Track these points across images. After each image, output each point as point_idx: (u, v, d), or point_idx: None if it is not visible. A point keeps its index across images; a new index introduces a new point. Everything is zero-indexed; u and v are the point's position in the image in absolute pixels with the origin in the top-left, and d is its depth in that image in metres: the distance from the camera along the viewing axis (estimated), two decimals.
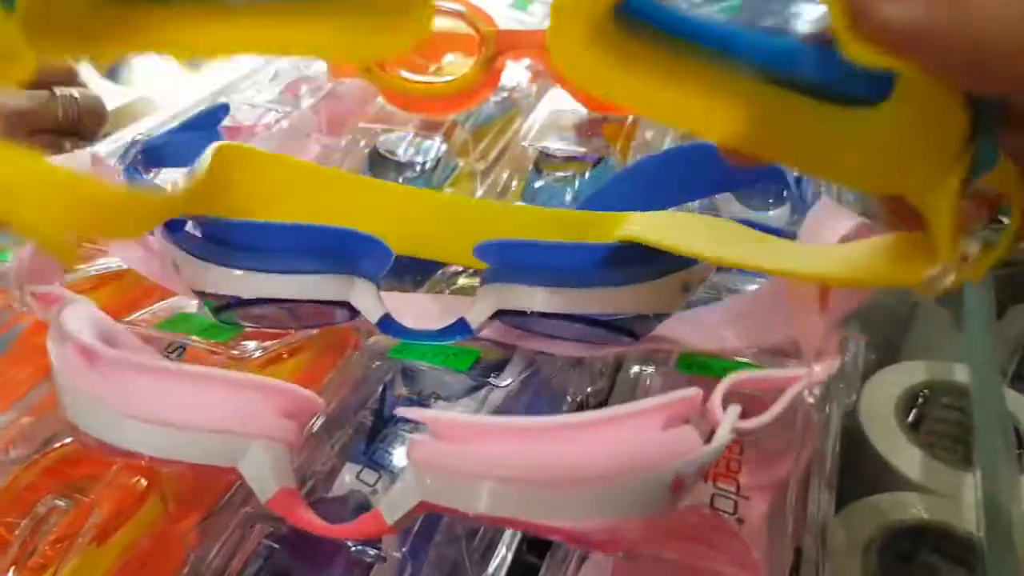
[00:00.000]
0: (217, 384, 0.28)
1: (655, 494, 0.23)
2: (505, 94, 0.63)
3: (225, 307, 0.35)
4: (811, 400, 0.28)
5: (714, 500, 0.31)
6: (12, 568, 0.31)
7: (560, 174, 0.55)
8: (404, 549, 0.31)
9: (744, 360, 0.36)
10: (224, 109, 0.47)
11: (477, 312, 0.35)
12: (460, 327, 0.35)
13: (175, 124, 0.48)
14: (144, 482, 0.34)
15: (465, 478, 0.24)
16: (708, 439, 0.24)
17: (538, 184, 0.55)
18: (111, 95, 0.94)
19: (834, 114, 0.22)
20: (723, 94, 0.23)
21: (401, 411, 0.26)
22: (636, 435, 0.24)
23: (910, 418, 0.47)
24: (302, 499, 0.29)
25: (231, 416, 0.28)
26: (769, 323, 0.34)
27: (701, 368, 0.37)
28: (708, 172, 0.41)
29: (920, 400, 0.48)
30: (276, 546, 0.31)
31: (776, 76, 0.23)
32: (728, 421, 0.24)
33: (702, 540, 0.30)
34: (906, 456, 0.44)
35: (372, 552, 0.30)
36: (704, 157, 0.41)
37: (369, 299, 0.35)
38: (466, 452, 0.24)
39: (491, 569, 0.31)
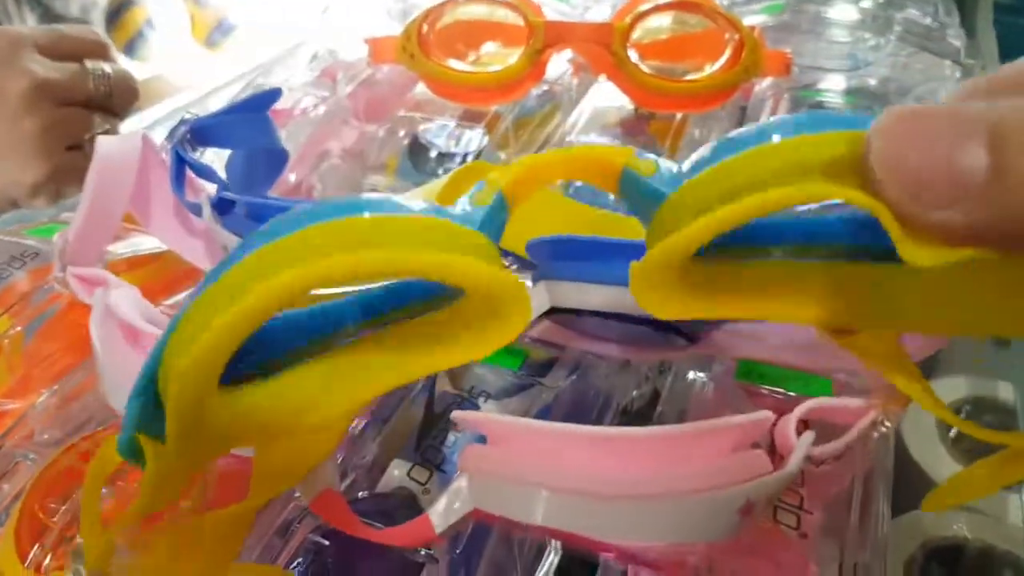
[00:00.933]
0: None
1: (723, 518, 0.23)
2: (546, 87, 0.62)
3: None
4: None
5: (777, 513, 0.30)
6: (50, 555, 0.31)
7: None
8: (457, 551, 0.30)
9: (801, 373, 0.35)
10: (276, 93, 0.46)
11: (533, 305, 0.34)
12: None
13: (222, 105, 0.47)
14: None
15: (520, 487, 0.24)
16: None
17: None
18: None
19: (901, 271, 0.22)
20: (806, 282, 0.23)
21: (456, 416, 0.25)
22: (706, 455, 0.23)
23: (952, 433, 0.46)
24: (345, 502, 0.28)
25: None
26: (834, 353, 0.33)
27: (760, 377, 0.36)
28: None
29: (963, 416, 0.47)
30: (324, 541, 0.31)
31: (845, 250, 0.23)
32: (802, 448, 0.24)
33: (763, 555, 0.29)
34: (949, 472, 0.43)
35: (423, 553, 0.30)
36: None
37: None
38: (522, 459, 0.24)
39: (541, 573, 0.30)
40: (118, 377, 0.28)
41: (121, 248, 0.47)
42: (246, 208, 0.34)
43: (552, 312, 0.34)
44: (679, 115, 0.57)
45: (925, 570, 0.39)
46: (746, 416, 0.23)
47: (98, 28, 1.04)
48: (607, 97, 0.60)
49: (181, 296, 0.43)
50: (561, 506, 0.23)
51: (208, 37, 1.14)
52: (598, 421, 0.37)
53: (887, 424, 0.26)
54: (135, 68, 0.88)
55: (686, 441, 0.23)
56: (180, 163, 0.38)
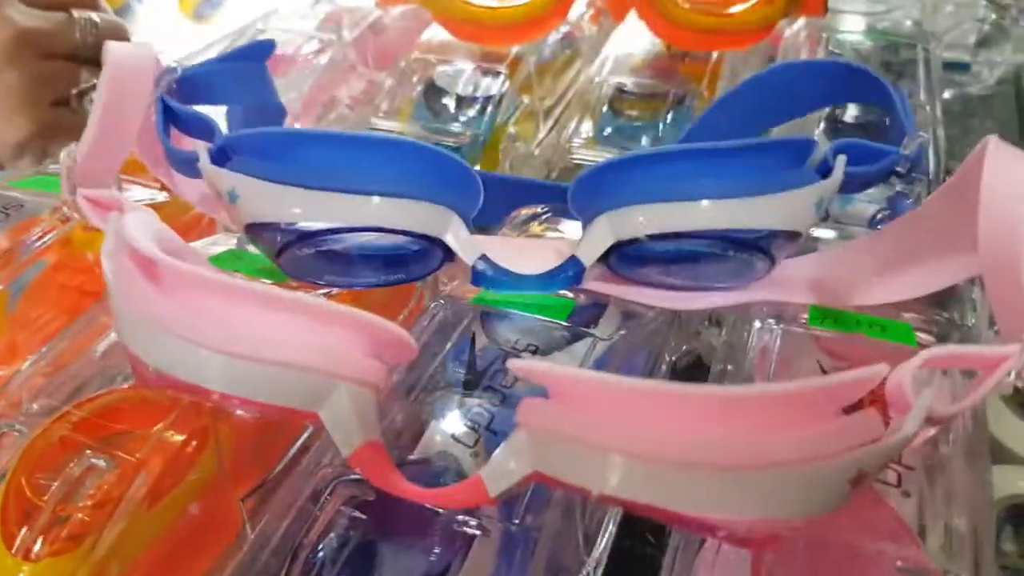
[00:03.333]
0: (302, 311, 0.23)
1: (831, 490, 0.19)
2: (566, 29, 0.58)
3: (289, 244, 0.30)
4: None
5: None
6: (41, 538, 0.27)
7: (637, 113, 0.50)
8: (514, 522, 0.26)
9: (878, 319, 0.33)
10: (270, 44, 0.42)
11: (589, 247, 0.31)
12: (571, 267, 0.31)
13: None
14: (194, 441, 0.30)
15: (589, 450, 0.20)
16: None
17: (611, 127, 0.50)
18: None
19: None
20: None
21: (513, 364, 0.21)
22: (812, 418, 0.19)
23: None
24: (389, 456, 0.25)
25: (317, 351, 0.23)
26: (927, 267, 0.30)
27: (835, 323, 0.33)
28: (802, 89, 0.38)
29: None
30: (359, 515, 0.27)
31: None
32: (922, 407, 0.20)
33: (859, 517, 0.26)
34: (1012, 428, 0.40)
35: (473, 524, 0.26)
36: (796, 75, 0.38)
37: (465, 237, 0.31)
38: (593, 418, 0.20)
39: (599, 550, 0.27)
40: (134, 316, 0.24)
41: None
42: (261, 143, 0.30)
43: (612, 253, 0.30)
44: (714, 55, 0.54)
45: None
46: (858, 372, 0.19)
47: None
48: (630, 42, 0.57)
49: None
50: (639, 474, 0.20)
51: (196, 10, 1.10)
52: (652, 373, 0.34)
53: None
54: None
55: (788, 402, 0.19)
56: (167, 114, 0.34)
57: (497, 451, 0.22)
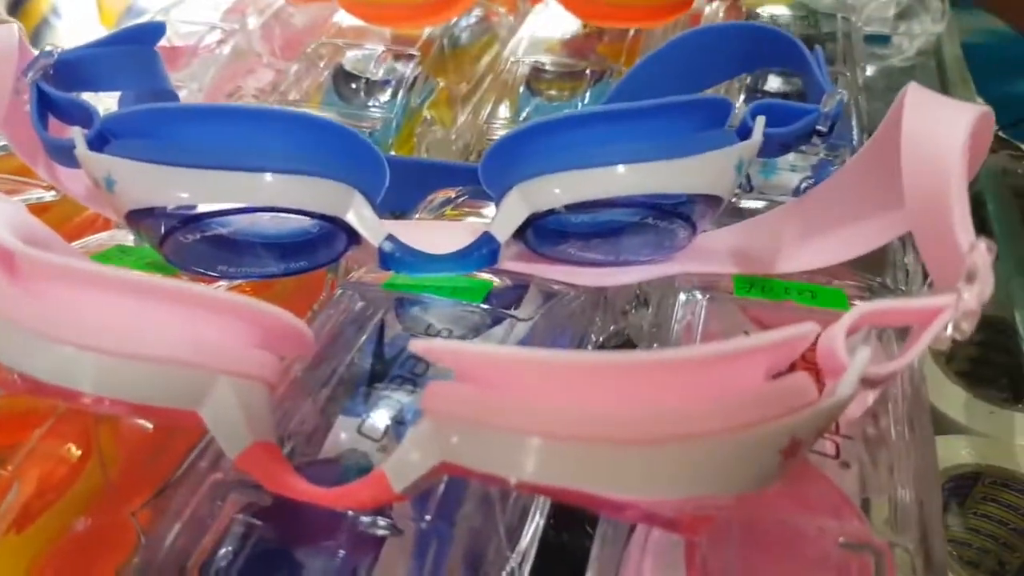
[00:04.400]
0: (176, 299, 0.21)
1: (763, 462, 0.18)
2: (481, 12, 0.57)
3: (173, 230, 0.28)
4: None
5: None
6: None
7: (556, 92, 0.48)
8: (425, 518, 0.24)
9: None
10: (159, 26, 0.39)
11: (503, 222, 0.29)
12: (485, 244, 0.29)
13: None
14: (77, 450, 0.27)
15: (500, 434, 0.18)
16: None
17: (530, 107, 0.48)
18: None
19: None
20: None
21: (414, 344, 0.19)
22: (738, 383, 0.18)
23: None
24: (283, 456, 0.22)
25: (193, 343, 0.21)
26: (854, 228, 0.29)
27: (762, 291, 0.32)
28: (716, 53, 0.37)
29: None
30: (256, 522, 0.25)
31: None
32: (857, 367, 0.18)
33: (795, 492, 0.24)
34: (952, 397, 0.40)
35: (382, 523, 0.24)
36: (709, 39, 0.37)
37: (369, 216, 0.29)
38: (504, 399, 0.18)
39: (524, 542, 0.25)
40: None
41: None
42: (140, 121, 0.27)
43: (528, 227, 0.29)
44: (632, 32, 0.52)
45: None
46: (786, 330, 0.18)
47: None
48: (546, 25, 0.55)
49: (75, 244, 0.36)
50: (556, 456, 0.18)
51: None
52: None
53: (963, 328, 0.21)
54: None
55: (712, 366, 0.18)
56: (43, 100, 0.31)
57: (402, 442, 0.20)
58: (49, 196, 0.41)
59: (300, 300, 0.36)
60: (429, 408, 0.19)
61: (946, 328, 0.20)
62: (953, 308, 0.20)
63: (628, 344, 0.36)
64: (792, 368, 0.18)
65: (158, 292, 0.21)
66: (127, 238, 0.36)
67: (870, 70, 0.58)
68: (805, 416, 0.17)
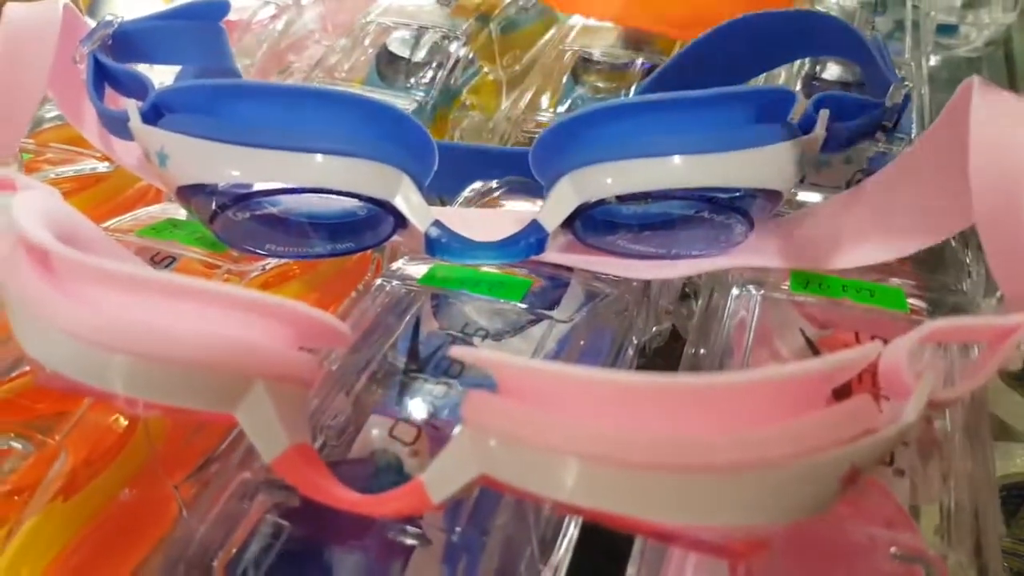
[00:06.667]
0: (211, 301, 0.20)
1: (821, 489, 0.17)
2: None
3: (223, 207, 0.28)
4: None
5: None
6: None
7: (603, 85, 0.47)
8: (456, 530, 0.24)
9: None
10: (225, 4, 0.39)
11: (552, 211, 0.28)
12: (533, 233, 0.29)
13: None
14: (123, 420, 0.27)
15: (541, 452, 0.17)
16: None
17: (572, 99, 0.47)
18: None
19: None
20: None
21: (455, 352, 0.19)
22: (795, 408, 0.17)
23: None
24: (320, 459, 0.22)
25: (229, 345, 0.20)
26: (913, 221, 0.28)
27: (819, 287, 0.31)
28: (772, 40, 0.37)
29: None
30: (284, 522, 0.25)
31: None
32: (923, 391, 0.18)
33: (849, 500, 0.24)
34: (1011, 404, 0.38)
35: (412, 531, 0.24)
36: (765, 23, 0.36)
37: (417, 201, 0.28)
38: (543, 415, 0.17)
39: (558, 555, 0.24)
40: (26, 312, 0.21)
41: (65, 170, 0.42)
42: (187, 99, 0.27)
43: (577, 217, 0.28)
44: None
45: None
46: (848, 353, 0.17)
47: None
48: None
49: (125, 217, 0.37)
50: (599, 479, 0.17)
51: None
52: (614, 364, 0.31)
53: None
54: None
55: (769, 391, 0.17)
56: (100, 71, 0.31)
57: (441, 452, 0.19)
58: (103, 167, 0.41)
59: (345, 279, 0.36)
60: (469, 418, 0.19)
61: (1018, 346, 0.19)
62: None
63: (674, 335, 0.36)
64: (850, 383, 0.18)
65: (194, 292, 0.20)
66: (179, 211, 0.36)
67: (934, 60, 0.56)
68: (867, 444, 0.17)
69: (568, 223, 0.29)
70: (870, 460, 0.17)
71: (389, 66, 0.50)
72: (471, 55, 0.50)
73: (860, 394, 0.17)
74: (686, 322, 0.35)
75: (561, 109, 0.47)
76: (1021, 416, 0.38)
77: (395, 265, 0.34)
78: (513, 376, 0.18)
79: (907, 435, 0.18)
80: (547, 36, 0.55)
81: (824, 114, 0.27)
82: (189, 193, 0.28)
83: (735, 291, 0.32)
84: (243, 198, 0.27)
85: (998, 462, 0.35)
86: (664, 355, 0.35)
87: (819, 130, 0.27)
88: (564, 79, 0.48)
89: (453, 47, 0.50)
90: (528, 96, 0.47)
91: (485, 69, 0.50)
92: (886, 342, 0.24)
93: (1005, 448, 0.37)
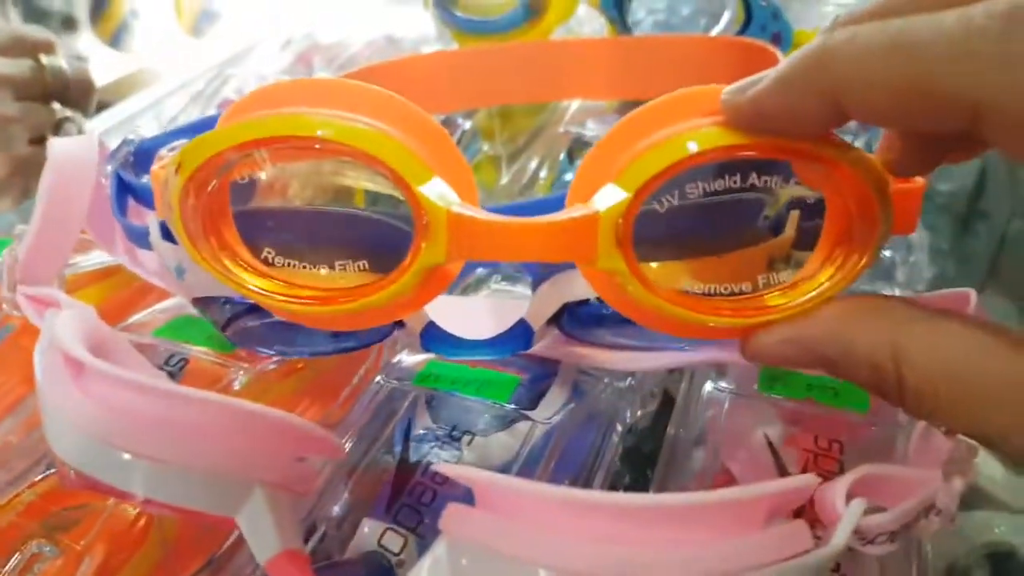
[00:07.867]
0: (220, 414, 0.23)
1: None
2: None
3: (236, 316, 0.30)
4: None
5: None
6: None
7: None
8: None
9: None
10: None
11: (538, 309, 0.30)
12: (519, 333, 0.30)
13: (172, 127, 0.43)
14: (143, 520, 0.30)
15: (513, 564, 0.19)
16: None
17: (569, 175, 0.49)
18: (114, 65, 0.91)
19: None
20: None
21: (440, 467, 0.22)
22: (737, 528, 0.19)
23: None
24: (309, 565, 0.24)
25: (232, 454, 0.23)
26: None
27: (784, 388, 0.32)
28: None
29: None
30: None
31: None
32: (850, 520, 0.20)
33: None
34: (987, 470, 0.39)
35: None
36: None
37: None
38: (516, 530, 0.19)
39: None
40: (57, 416, 0.24)
41: (84, 261, 0.44)
42: None
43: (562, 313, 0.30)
44: None
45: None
46: (785, 482, 0.19)
47: (82, 19, 1.03)
48: None
49: (144, 314, 0.39)
50: None
51: (194, 25, 1.12)
52: (601, 449, 0.33)
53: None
54: (121, 59, 0.85)
55: (713, 512, 0.19)
56: (122, 187, 0.34)
57: (420, 560, 0.21)
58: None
59: (349, 364, 0.38)
60: (448, 529, 0.20)
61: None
62: (942, 491, 0.21)
63: (666, 398, 0.37)
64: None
65: (204, 405, 0.23)
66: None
67: None
68: (798, 565, 0.18)
69: (554, 319, 0.30)
70: None
71: None
72: (474, 132, 0.51)
73: (795, 521, 0.19)
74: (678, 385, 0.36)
75: (561, 182, 0.48)
76: (1000, 483, 0.39)
77: (395, 359, 0.36)
78: (487, 490, 0.20)
79: (835, 559, 0.19)
80: (547, 108, 0.57)
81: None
82: (204, 303, 0.30)
83: (708, 386, 0.33)
84: (255, 308, 0.29)
85: (979, 529, 0.37)
86: (652, 437, 0.36)
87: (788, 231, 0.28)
88: (562, 156, 0.50)
89: (460, 118, 0.51)
90: (529, 172, 0.49)
91: (485, 147, 0.52)
92: (842, 446, 0.26)
93: (984, 517, 0.38)
